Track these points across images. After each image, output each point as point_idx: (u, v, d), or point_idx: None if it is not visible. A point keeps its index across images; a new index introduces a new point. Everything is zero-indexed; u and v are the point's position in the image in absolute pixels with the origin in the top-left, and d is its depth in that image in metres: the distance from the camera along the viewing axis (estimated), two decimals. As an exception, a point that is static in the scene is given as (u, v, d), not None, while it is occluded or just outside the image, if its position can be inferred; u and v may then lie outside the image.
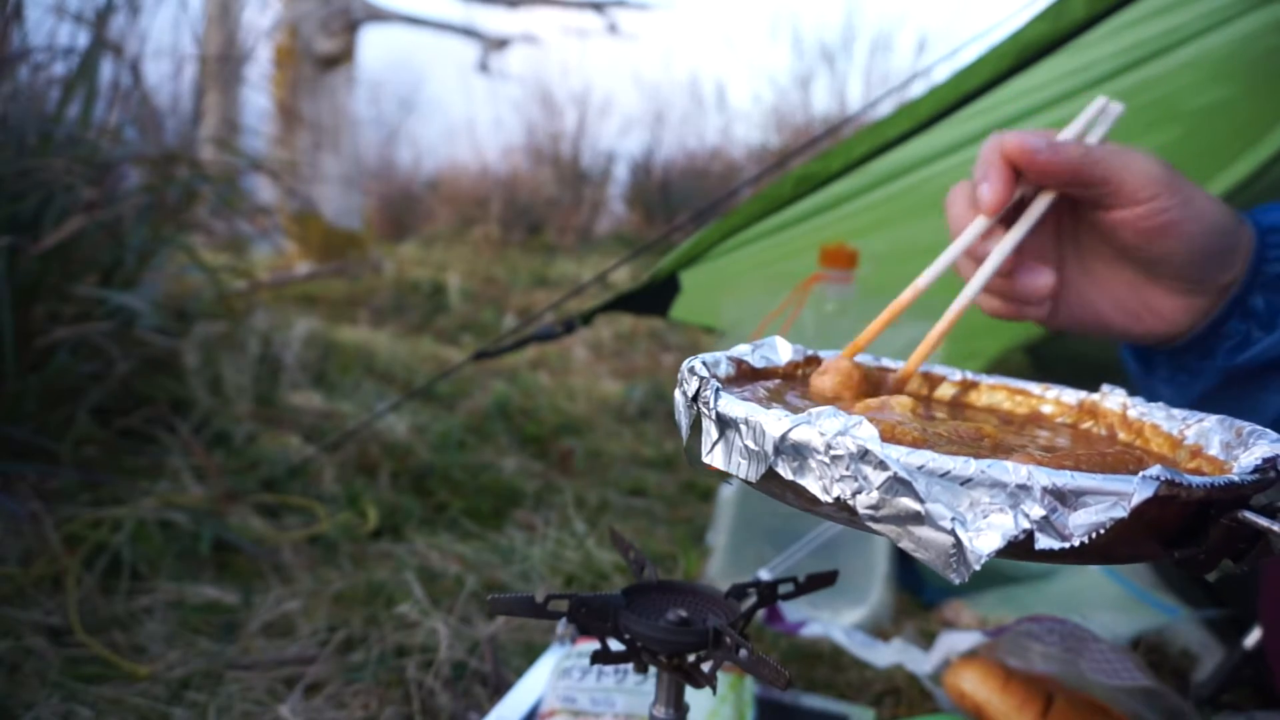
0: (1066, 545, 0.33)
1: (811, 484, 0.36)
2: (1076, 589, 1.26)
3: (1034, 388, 0.54)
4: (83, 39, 1.54)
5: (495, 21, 4.83)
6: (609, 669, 0.78)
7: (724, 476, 0.41)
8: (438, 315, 3.00)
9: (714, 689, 0.52)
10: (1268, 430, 0.41)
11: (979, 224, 0.56)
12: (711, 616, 0.54)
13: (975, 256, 0.58)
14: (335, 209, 3.97)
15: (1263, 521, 0.34)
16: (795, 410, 0.38)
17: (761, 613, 1.05)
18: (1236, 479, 0.35)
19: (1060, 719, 0.74)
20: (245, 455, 1.47)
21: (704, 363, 0.45)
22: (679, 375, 0.44)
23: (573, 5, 4.82)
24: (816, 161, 1.02)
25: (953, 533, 0.33)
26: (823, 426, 0.36)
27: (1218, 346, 0.60)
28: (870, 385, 0.53)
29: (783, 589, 0.58)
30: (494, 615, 1.09)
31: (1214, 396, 0.62)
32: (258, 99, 3.64)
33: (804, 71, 5.33)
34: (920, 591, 1.27)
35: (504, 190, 5.34)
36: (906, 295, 0.54)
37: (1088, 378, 0.58)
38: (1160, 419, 0.48)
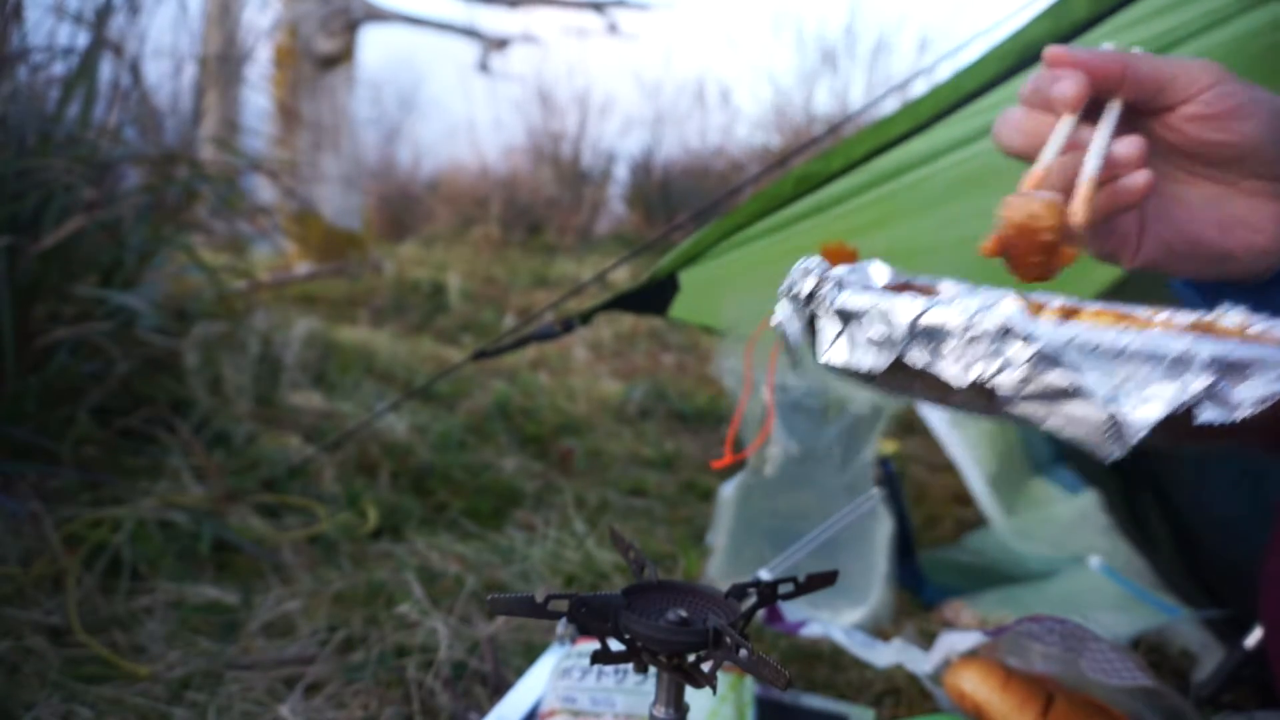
0: (1232, 418, 0.31)
1: (947, 369, 0.35)
2: (1076, 589, 1.26)
3: (1141, 311, 0.51)
4: (82, 39, 1.54)
5: (495, 21, 4.83)
6: (609, 669, 0.78)
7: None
8: (438, 315, 3.00)
9: (714, 689, 0.52)
10: None
11: (1066, 123, 0.53)
12: (711, 616, 0.54)
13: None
14: (335, 209, 3.97)
15: None
16: None
17: (761, 613, 1.05)
18: None
19: (1060, 719, 0.74)
20: (245, 455, 1.47)
21: (816, 263, 0.43)
22: (787, 281, 0.42)
23: (573, 5, 4.81)
24: (817, 161, 1.02)
25: (1108, 407, 0.31)
26: (962, 305, 0.34)
27: None
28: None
29: (783, 589, 0.58)
30: (494, 615, 1.09)
31: None
32: (258, 99, 3.64)
33: (806, 71, 5.33)
34: (920, 591, 1.26)
35: (504, 190, 5.34)
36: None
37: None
38: None
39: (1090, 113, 0.55)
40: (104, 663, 0.97)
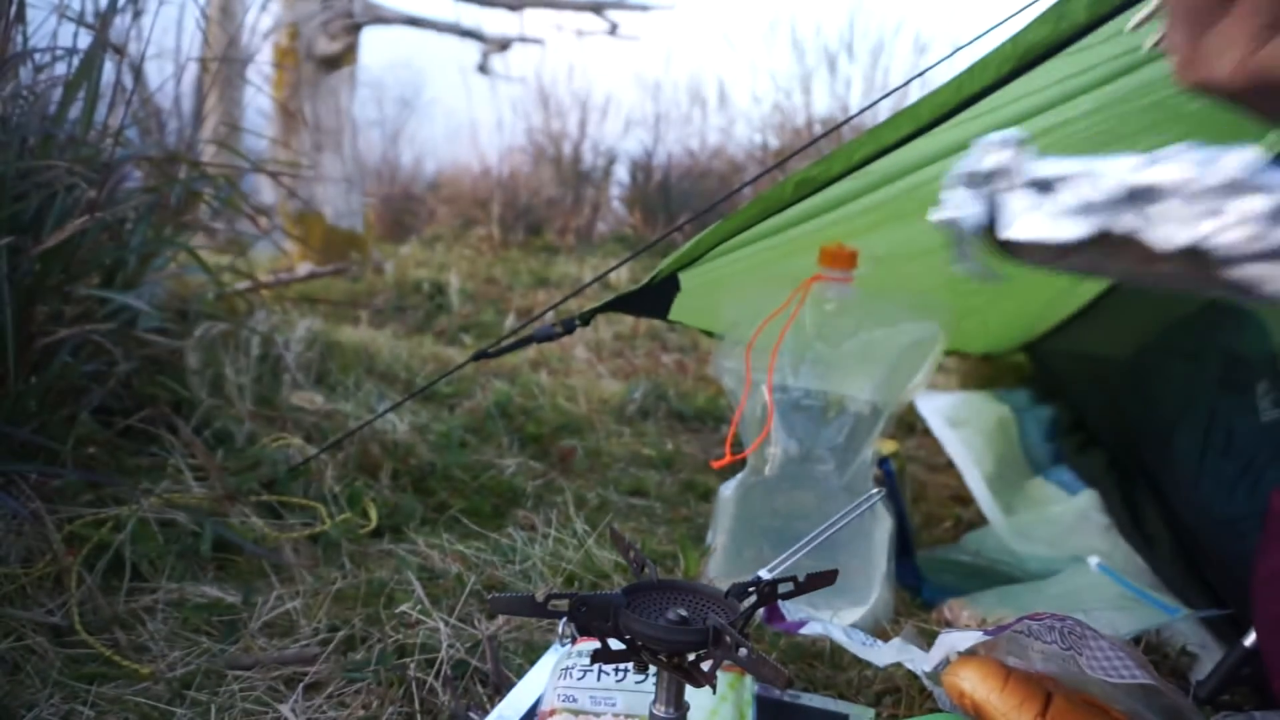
0: None
1: (1162, 231, 0.31)
2: (1076, 589, 1.26)
3: None
4: (85, 40, 1.55)
5: (497, 23, 4.83)
6: (609, 668, 0.78)
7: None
8: (438, 316, 3.00)
9: (714, 688, 0.52)
10: None
11: None
12: (711, 616, 0.54)
13: None
14: (336, 210, 3.97)
15: None
16: None
17: (761, 612, 1.05)
18: None
19: (1059, 718, 0.74)
20: (246, 455, 1.47)
21: (1001, 138, 0.40)
22: (963, 165, 0.39)
23: (573, 6, 4.82)
24: (817, 165, 1.02)
25: None
26: (1189, 158, 0.31)
27: None
28: None
29: (783, 588, 0.58)
30: (494, 615, 1.09)
31: None
32: (259, 100, 3.65)
33: (805, 72, 5.32)
34: (920, 591, 1.27)
35: (505, 191, 5.33)
36: None
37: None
38: None
39: None
40: (105, 662, 0.98)
